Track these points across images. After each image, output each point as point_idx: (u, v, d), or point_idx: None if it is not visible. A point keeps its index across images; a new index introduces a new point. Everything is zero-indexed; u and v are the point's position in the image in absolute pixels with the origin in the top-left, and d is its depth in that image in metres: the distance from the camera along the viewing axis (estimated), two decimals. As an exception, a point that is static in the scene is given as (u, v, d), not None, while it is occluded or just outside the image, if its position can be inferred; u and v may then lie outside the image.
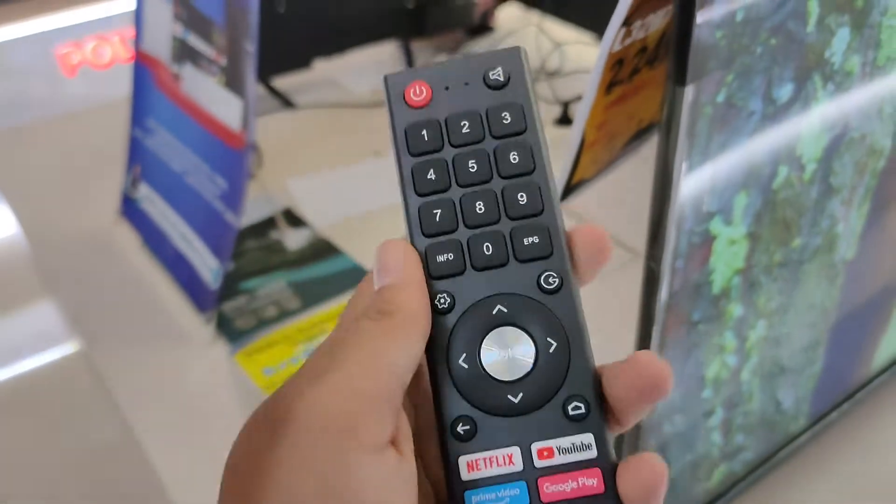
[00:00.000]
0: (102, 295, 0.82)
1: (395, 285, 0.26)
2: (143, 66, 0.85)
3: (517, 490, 0.26)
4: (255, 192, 0.93)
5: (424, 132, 0.28)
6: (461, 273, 0.27)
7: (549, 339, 0.26)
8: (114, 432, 0.70)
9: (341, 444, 0.23)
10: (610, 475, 0.26)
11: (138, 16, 0.84)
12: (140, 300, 0.80)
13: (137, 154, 0.87)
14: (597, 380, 0.26)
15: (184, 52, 0.76)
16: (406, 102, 0.28)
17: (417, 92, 0.28)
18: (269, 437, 0.24)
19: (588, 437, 0.26)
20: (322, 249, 0.85)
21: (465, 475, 0.26)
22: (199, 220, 0.77)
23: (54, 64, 1.68)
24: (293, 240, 0.87)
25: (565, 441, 0.26)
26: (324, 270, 0.82)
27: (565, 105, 1.03)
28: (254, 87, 0.67)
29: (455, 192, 0.28)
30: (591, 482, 0.25)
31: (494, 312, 0.27)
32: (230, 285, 0.79)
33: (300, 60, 1.16)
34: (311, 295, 0.78)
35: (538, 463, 0.26)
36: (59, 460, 0.69)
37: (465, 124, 0.28)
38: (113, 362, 0.74)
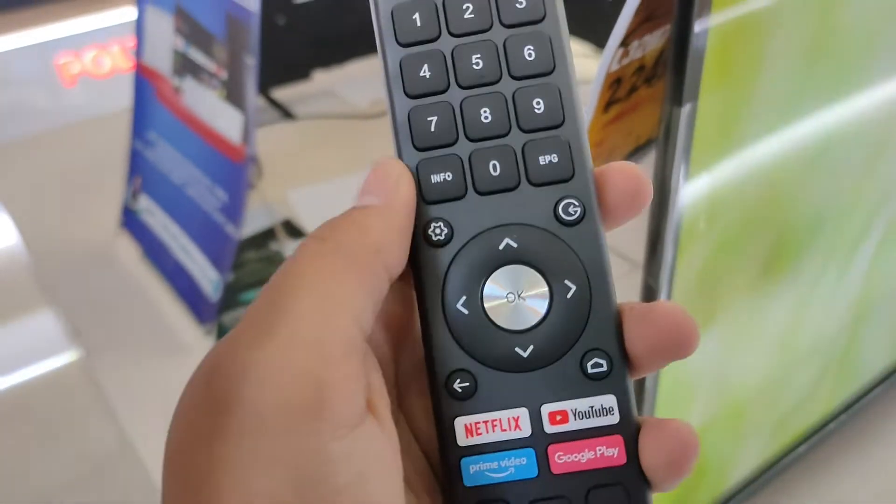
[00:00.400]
0: (103, 306, 0.82)
1: (370, 207, 0.22)
2: (144, 79, 0.85)
3: (524, 459, 0.22)
4: (254, 203, 0.93)
5: (416, 15, 0.22)
6: (461, 197, 0.22)
7: (566, 281, 0.22)
8: (113, 442, 0.71)
9: (307, 426, 0.18)
10: (633, 445, 0.22)
11: (139, 29, 0.84)
12: (140, 311, 0.81)
13: (138, 166, 0.88)
14: (621, 332, 0.22)
15: (185, 66, 0.77)
16: None
17: None
18: (213, 422, 0.19)
19: (610, 400, 0.22)
20: (321, 261, 0.85)
21: (463, 440, 0.22)
22: (200, 231, 0.77)
23: (53, 74, 1.68)
24: (292, 251, 0.87)
25: (583, 403, 0.22)
26: (323, 282, 0.82)
27: (563, 116, 1.04)
28: (254, 101, 0.68)
29: (455, 95, 0.22)
30: (612, 452, 0.21)
31: (501, 247, 0.22)
32: (230, 297, 0.80)
33: (300, 72, 1.17)
34: (311, 306, 0.79)
35: (549, 428, 0.22)
36: (58, 470, 0.69)
37: (467, 7, 0.22)
38: (113, 373, 0.74)
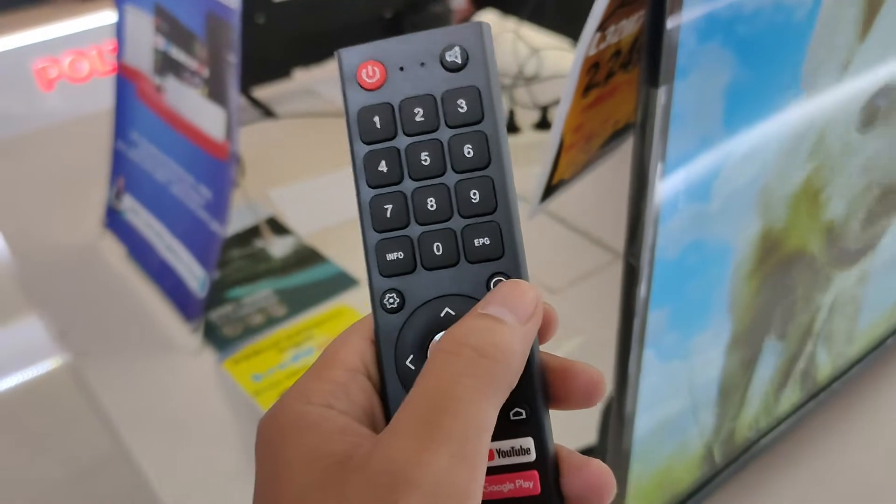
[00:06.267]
0: (89, 307, 0.82)
1: (510, 324, 0.24)
2: (125, 79, 0.85)
3: None
4: (238, 201, 0.93)
5: (377, 118, 0.26)
6: (412, 272, 0.26)
7: None
8: (104, 443, 0.71)
9: None
10: (546, 478, 0.25)
11: (120, 29, 0.85)
12: (127, 311, 0.81)
13: (121, 166, 0.88)
14: (543, 388, 0.26)
15: (166, 65, 0.77)
16: (359, 84, 0.26)
17: (370, 73, 0.26)
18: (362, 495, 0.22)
19: (528, 441, 0.25)
20: (307, 257, 0.86)
21: None
22: (185, 230, 0.78)
23: (31, 79, 1.67)
24: (278, 248, 0.87)
25: (505, 444, 0.25)
26: (309, 277, 0.83)
27: (544, 109, 1.05)
28: (236, 98, 0.68)
29: (407, 185, 0.26)
30: (528, 484, 0.25)
31: (442, 315, 0.26)
32: (216, 294, 0.80)
33: (280, 71, 1.17)
34: (297, 302, 0.79)
35: None
36: (49, 474, 0.69)
37: (418, 111, 0.26)
38: (101, 374, 0.75)
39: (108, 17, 0.86)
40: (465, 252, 0.26)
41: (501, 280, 0.26)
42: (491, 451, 0.25)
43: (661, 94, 0.36)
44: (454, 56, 0.26)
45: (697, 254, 0.43)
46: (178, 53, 0.75)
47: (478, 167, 0.26)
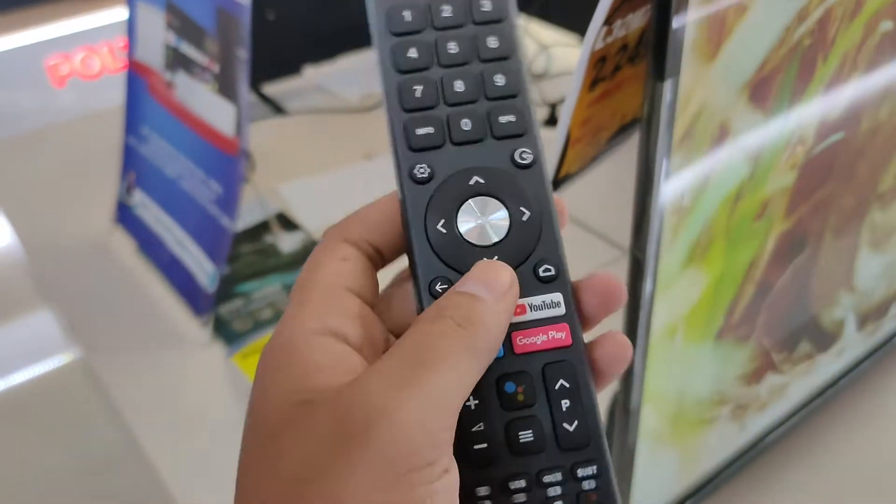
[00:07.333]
0: (99, 302, 0.83)
1: (486, 300, 0.25)
2: (136, 75, 0.86)
3: None
4: (248, 197, 0.94)
5: (406, 12, 0.28)
6: (440, 146, 0.28)
7: (522, 208, 0.28)
8: (114, 438, 0.71)
9: (417, 477, 0.22)
10: (576, 330, 0.27)
11: (131, 25, 0.85)
12: (137, 306, 0.82)
13: (132, 161, 0.89)
14: (563, 248, 0.28)
15: (177, 60, 0.78)
16: None
17: None
18: (342, 452, 0.22)
19: (557, 297, 0.27)
20: (316, 252, 0.86)
21: None
22: (195, 224, 0.78)
23: (43, 75, 1.68)
24: (287, 243, 0.88)
25: (537, 299, 0.27)
26: (318, 272, 0.83)
27: (553, 107, 1.05)
28: (246, 94, 0.69)
29: (437, 72, 0.28)
30: (560, 335, 0.27)
31: (472, 183, 0.28)
32: (226, 289, 0.80)
33: (290, 67, 1.18)
34: (306, 296, 0.80)
35: (512, 319, 0.27)
36: (60, 468, 0.70)
37: (446, 8, 0.28)
38: (111, 368, 0.75)
39: (120, 13, 0.86)
40: (491, 129, 0.28)
41: (526, 152, 0.28)
42: (523, 306, 0.27)
43: (668, 87, 0.36)
44: None
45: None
46: (188, 49, 0.75)
47: (502, 57, 0.28)
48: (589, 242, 0.85)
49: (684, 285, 0.44)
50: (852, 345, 0.63)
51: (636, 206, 0.40)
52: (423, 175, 0.28)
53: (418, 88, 0.28)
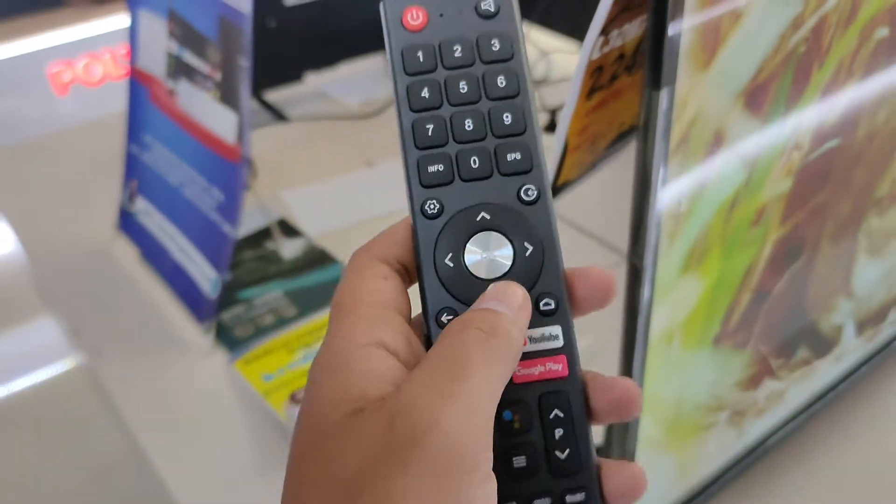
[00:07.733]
0: (102, 308, 0.83)
1: (508, 316, 0.27)
2: (138, 83, 0.86)
3: None
4: (249, 203, 0.94)
5: (420, 53, 0.30)
6: (450, 183, 0.29)
7: (525, 243, 0.29)
8: (117, 443, 0.72)
9: (464, 481, 0.24)
10: (574, 362, 0.29)
11: (133, 34, 0.86)
12: (140, 312, 0.82)
13: (134, 169, 0.89)
14: (566, 281, 0.29)
15: (179, 69, 0.78)
16: (403, 26, 0.30)
17: (414, 16, 0.30)
18: (396, 459, 0.24)
19: (556, 329, 0.29)
20: (317, 258, 0.87)
21: None
22: (197, 231, 0.79)
23: (46, 82, 1.69)
24: (288, 249, 0.88)
25: (536, 332, 0.29)
26: (319, 279, 0.84)
27: (553, 112, 1.05)
28: (248, 101, 0.69)
29: (446, 110, 0.30)
30: (557, 367, 0.29)
31: (478, 219, 0.29)
32: (228, 295, 0.81)
33: (291, 74, 1.18)
34: (307, 303, 0.80)
35: None
36: (64, 473, 0.70)
37: (457, 48, 0.30)
38: (114, 375, 0.76)
39: (122, 21, 0.87)
40: (498, 166, 0.29)
41: (531, 189, 0.29)
42: (524, 340, 0.28)
43: (664, 95, 0.36)
44: (488, 5, 0.30)
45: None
46: (190, 57, 0.76)
47: (509, 96, 0.30)
48: (588, 247, 0.85)
49: (681, 292, 0.44)
50: (851, 350, 0.64)
51: (633, 213, 0.40)
52: (433, 210, 0.29)
53: (430, 127, 0.29)
